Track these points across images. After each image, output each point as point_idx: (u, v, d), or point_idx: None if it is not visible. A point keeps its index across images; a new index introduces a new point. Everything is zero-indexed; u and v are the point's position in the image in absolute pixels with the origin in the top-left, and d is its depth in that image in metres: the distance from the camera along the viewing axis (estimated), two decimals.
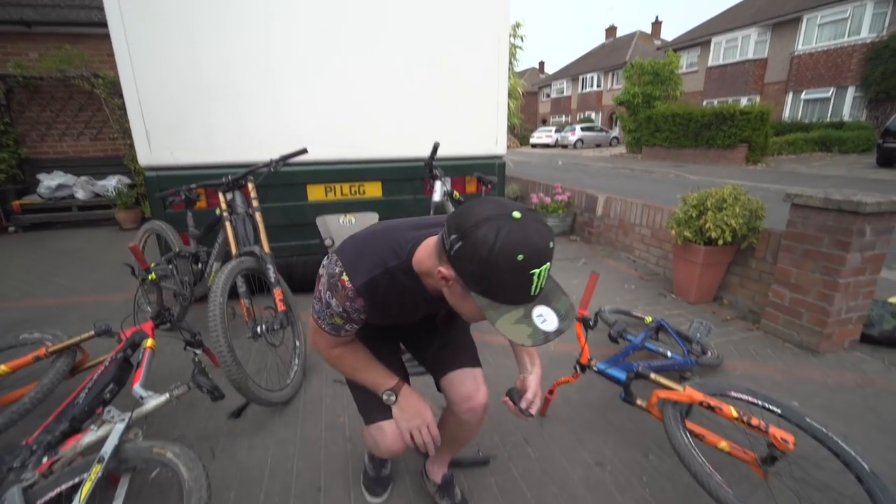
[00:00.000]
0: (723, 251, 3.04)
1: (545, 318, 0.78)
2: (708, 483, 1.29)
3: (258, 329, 2.01)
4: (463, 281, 0.79)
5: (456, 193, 2.86)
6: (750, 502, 1.23)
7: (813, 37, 15.77)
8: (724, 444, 1.51)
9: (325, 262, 1.01)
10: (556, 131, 27.36)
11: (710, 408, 1.51)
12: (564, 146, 25.87)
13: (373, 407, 1.19)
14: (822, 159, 13.43)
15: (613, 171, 8.92)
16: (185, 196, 2.26)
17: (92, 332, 1.95)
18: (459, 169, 3.25)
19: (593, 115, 30.03)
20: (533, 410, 1.13)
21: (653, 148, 15.98)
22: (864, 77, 14.31)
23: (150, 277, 2.03)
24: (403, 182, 3.14)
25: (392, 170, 3.13)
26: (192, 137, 2.73)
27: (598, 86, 29.44)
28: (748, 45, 17.80)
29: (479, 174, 3.08)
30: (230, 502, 1.50)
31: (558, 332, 0.78)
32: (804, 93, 16.31)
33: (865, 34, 14.24)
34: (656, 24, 32.19)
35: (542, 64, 44.20)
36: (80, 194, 5.75)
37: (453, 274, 0.79)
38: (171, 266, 2.50)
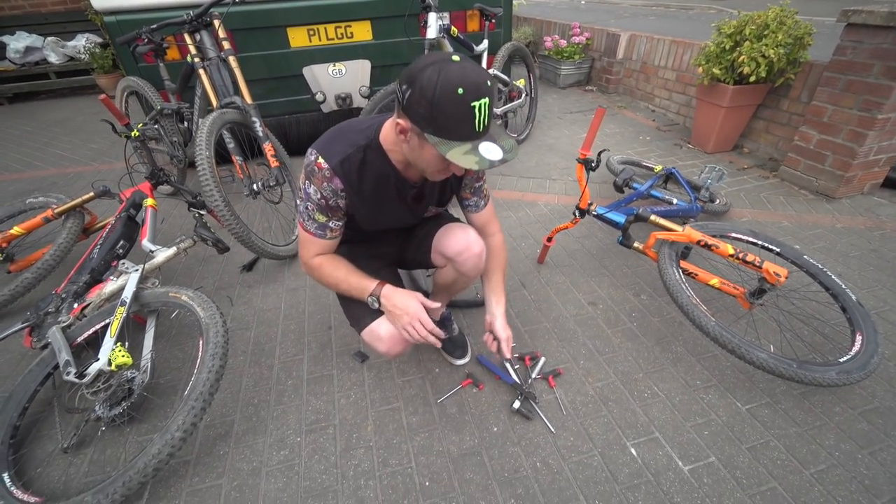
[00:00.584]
0: (752, 91, 2.74)
1: (491, 150, 0.87)
2: (692, 312, 1.35)
3: (254, 186, 1.98)
4: (417, 127, 0.86)
5: (455, 30, 2.50)
6: (729, 329, 1.29)
7: None
8: (714, 281, 1.54)
9: (304, 160, 1.06)
10: None
11: (707, 247, 1.51)
12: None
13: (359, 314, 1.19)
14: None
15: (645, 9, 7.68)
16: (147, 39, 2.01)
17: (92, 193, 1.96)
18: (458, 1, 2.80)
19: None
20: (508, 354, 1.27)
21: None
22: None
23: (133, 134, 1.94)
24: (395, 20, 2.74)
25: (381, 4, 2.71)
26: None
27: None
28: None
29: (480, 5, 2.65)
30: (251, 340, 1.66)
31: (503, 160, 0.86)
32: None
33: None
34: None
35: None
36: (53, 58, 5.29)
37: (409, 123, 0.87)
38: (157, 126, 2.37)
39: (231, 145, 2.00)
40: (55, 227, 1.96)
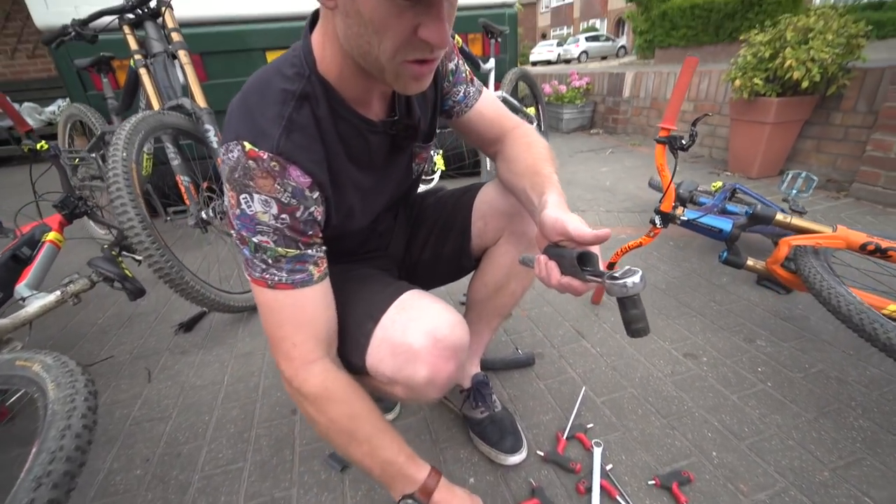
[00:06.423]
0: (800, 104, 2.39)
1: None
2: None
3: (203, 214, 1.46)
4: None
5: (459, 40, 2.17)
6: None
7: None
8: (893, 308, 0.99)
9: (219, 167, 0.60)
10: (558, 45, 25.10)
11: (881, 253, 0.98)
12: (567, 61, 23.75)
13: (361, 317, 0.66)
14: None
15: None
16: (76, 33, 1.56)
17: None
18: (460, 22, 2.52)
19: (598, 24, 27.44)
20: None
21: (667, 50, 14.36)
22: None
23: (38, 146, 1.45)
24: None
25: None
26: None
27: None
28: None
29: (484, 21, 2.36)
30: (163, 438, 1.03)
31: None
32: None
33: None
34: None
35: None
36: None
37: None
38: (94, 155, 1.91)
39: (175, 162, 1.51)
40: None
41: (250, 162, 0.53)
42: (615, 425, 0.98)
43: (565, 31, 30.97)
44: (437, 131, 0.81)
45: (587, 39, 23.72)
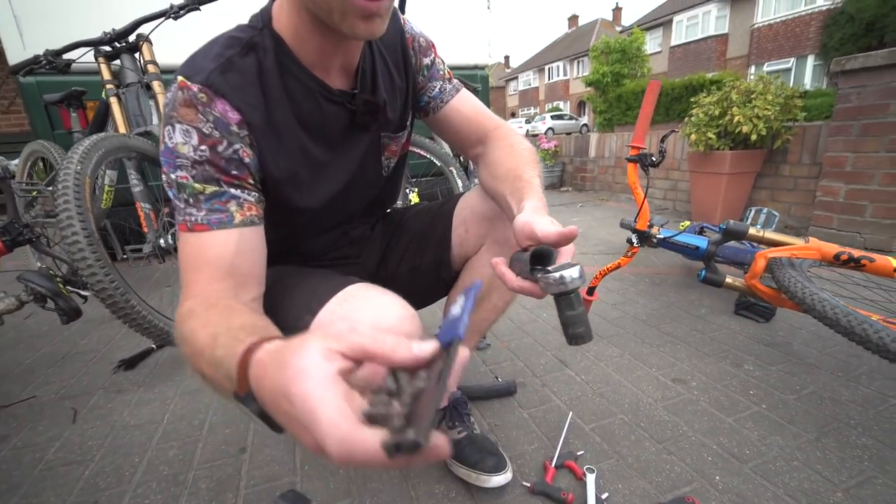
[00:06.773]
0: (752, 156, 2.58)
1: None
2: None
3: (162, 241, 1.37)
4: None
5: None
6: None
7: (771, 7, 16.00)
8: (874, 319, 0.98)
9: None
10: (526, 122, 27.16)
11: (854, 264, 0.99)
12: (535, 136, 25.67)
13: (301, 309, 0.59)
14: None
15: None
16: (48, 62, 1.54)
17: None
18: None
19: (561, 105, 30.05)
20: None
21: (625, 127, 15.85)
22: (822, 45, 14.56)
23: None
24: None
25: None
26: (81, 20, 2.05)
27: (565, 74, 29.46)
28: (709, 21, 17.99)
29: (459, 78, 2.51)
30: (79, 485, 0.86)
31: None
32: (766, 65, 16.53)
33: (822, 1, 14.50)
34: (617, 11, 32.68)
35: (507, 58, 44.14)
36: None
37: None
38: (52, 189, 1.81)
39: (137, 188, 1.45)
40: None
41: (179, 93, 0.51)
42: (607, 452, 0.89)
43: (532, 110, 33.69)
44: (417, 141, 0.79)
45: (552, 118, 25.74)
